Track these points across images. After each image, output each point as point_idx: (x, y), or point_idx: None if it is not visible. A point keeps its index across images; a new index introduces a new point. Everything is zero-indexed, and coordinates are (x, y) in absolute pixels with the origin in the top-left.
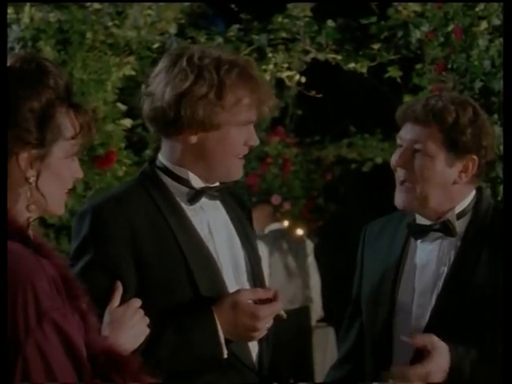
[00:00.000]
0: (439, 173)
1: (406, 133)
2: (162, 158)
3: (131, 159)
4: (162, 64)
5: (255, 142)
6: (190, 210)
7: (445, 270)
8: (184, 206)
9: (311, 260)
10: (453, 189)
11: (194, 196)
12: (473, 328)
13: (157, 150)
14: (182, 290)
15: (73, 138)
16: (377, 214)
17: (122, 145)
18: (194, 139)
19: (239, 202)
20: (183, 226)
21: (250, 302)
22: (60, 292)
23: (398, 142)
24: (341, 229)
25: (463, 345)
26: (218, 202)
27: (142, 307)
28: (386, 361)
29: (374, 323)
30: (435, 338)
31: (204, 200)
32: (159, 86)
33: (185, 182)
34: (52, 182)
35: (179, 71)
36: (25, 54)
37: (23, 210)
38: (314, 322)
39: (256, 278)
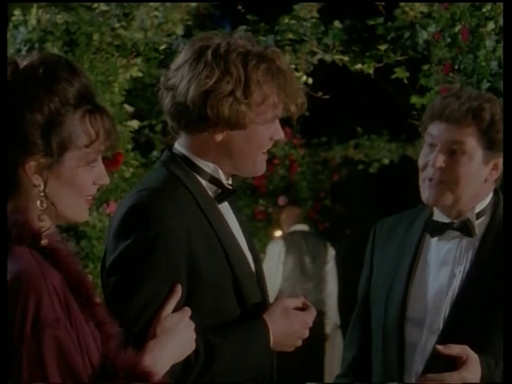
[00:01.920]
0: (476, 171)
1: (441, 133)
2: (182, 150)
3: (138, 161)
4: (184, 56)
5: (281, 136)
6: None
7: (461, 269)
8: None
9: (330, 267)
10: (482, 187)
11: (224, 196)
12: (488, 332)
13: (164, 151)
14: (228, 298)
15: (87, 146)
16: (384, 215)
17: (129, 146)
18: (219, 137)
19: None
20: (224, 227)
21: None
22: (65, 302)
23: (429, 140)
24: (348, 230)
25: (490, 355)
26: (226, 203)
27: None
28: (396, 366)
29: (384, 325)
30: (469, 349)
31: None
32: (183, 81)
33: (212, 179)
34: (65, 191)
35: (204, 66)
36: (36, 58)
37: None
38: (329, 330)
39: (262, 280)
